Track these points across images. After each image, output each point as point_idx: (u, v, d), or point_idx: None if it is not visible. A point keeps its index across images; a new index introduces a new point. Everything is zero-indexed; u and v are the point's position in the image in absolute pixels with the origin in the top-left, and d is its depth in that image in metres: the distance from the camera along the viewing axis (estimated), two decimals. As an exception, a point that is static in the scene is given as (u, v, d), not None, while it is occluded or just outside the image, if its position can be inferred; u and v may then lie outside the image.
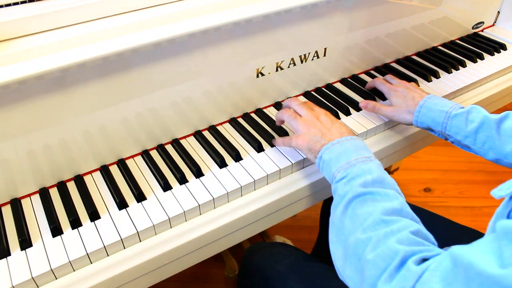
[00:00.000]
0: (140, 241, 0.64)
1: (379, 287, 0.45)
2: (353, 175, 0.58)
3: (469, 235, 0.71)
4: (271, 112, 0.89)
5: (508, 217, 0.46)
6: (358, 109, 0.89)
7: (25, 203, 0.68)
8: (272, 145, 0.79)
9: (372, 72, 1.02)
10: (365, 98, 0.92)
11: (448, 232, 0.84)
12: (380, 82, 0.89)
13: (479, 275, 0.36)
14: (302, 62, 0.88)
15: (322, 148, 0.65)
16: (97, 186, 0.71)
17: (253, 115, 0.88)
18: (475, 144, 0.72)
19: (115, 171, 0.74)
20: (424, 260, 0.45)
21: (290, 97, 0.87)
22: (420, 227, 0.51)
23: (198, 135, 0.82)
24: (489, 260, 0.36)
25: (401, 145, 0.87)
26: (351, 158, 0.60)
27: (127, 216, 0.66)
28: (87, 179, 0.73)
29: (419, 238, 0.49)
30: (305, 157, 0.76)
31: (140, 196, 0.68)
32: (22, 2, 0.67)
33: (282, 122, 0.80)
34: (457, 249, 0.39)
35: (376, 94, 0.93)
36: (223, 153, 0.77)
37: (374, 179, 0.56)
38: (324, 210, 1.03)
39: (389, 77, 0.91)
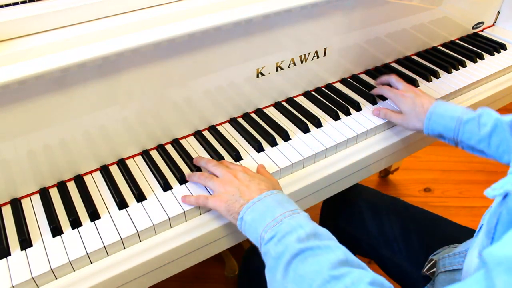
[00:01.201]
0: (140, 241, 0.64)
1: None
2: (283, 233, 0.53)
3: (468, 235, 0.71)
4: (271, 112, 0.89)
5: (498, 218, 0.46)
6: (358, 109, 0.89)
7: (25, 203, 0.68)
8: (272, 145, 0.79)
9: (372, 72, 1.02)
10: (365, 98, 0.92)
11: (448, 232, 0.84)
12: (387, 90, 0.87)
13: None
14: (302, 62, 0.88)
15: (242, 208, 0.60)
16: (97, 186, 0.71)
17: (253, 115, 0.88)
18: (490, 148, 0.71)
19: (115, 171, 0.74)
20: None
21: (203, 160, 0.74)
22: (370, 273, 0.47)
23: (198, 135, 0.82)
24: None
25: (401, 145, 0.87)
26: (276, 214, 0.56)
27: (127, 216, 0.66)
28: (87, 179, 0.73)
29: (377, 287, 0.45)
30: (305, 156, 0.76)
31: (140, 196, 0.68)
32: (22, 2, 0.67)
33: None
34: None
35: (378, 95, 0.93)
36: (223, 153, 0.77)
37: (308, 233, 0.52)
38: (324, 210, 1.03)
39: (394, 79, 0.89)
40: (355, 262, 0.50)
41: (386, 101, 0.91)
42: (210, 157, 0.77)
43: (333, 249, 0.50)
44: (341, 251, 0.50)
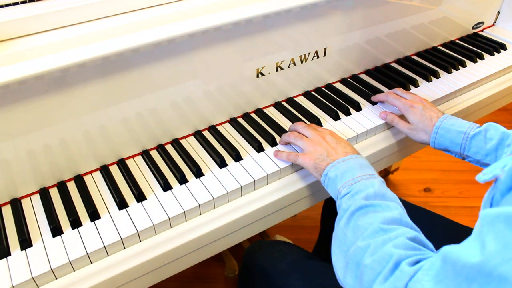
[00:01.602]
0: (140, 241, 0.64)
1: None
2: (357, 190, 0.59)
3: (469, 235, 0.71)
4: (271, 112, 0.89)
5: (491, 201, 0.47)
6: (358, 109, 0.89)
7: (25, 203, 0.68)
8: (272, 145, 0.79)
9: (372, 72, 1.02)
10: (365, 99, 0.92)
11: (448, 232, 0.84)
12: (393, 98, 0.86)
13: (464, 267, 0.37)
14: (302, 62, 0.88)
15: (327, 166, 0.66)
16: (97, 186, 0.71)
17: (253, 115, 0.88)
18: (496, 161, 0.71)
19: (115, 171, 0.74)
20: (418, 262, 0.46)
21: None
22: (419, 234, 0.52)
23: (198, 135, 0.82)
24: (473, 251, 0.37)
25: (401, 145, 0.87)
26: (356, 175, 0.62)
27: (127, 216, 0.66)
28: (87, 179, 0.73)
29: (415, 244, 0.50)
30: (305, 157, 0.76)
31: (140, 196, 0.68)
32: (22, 2, 0.67)
33: (286, 144, 0.79)
34: (446, 248, 0.41)
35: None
36: (223, 153, 0.77)
37: (376, 193, 0.58)
38: (325, 210, 1.03)
39: (399, 91, 0.88)
40: (409, 224, 0.54)
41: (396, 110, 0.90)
42: (210, 157, 0.77)
43: (391, 209, 0.56)
44: (398, 212, 0.55)
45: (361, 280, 0.49)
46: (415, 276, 0.43)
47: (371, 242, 0.51)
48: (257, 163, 0.75)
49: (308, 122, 0.84)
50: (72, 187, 0.71)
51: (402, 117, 0.84)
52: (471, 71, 1.03)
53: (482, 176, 0.48)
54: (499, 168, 0.45)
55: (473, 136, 0.72)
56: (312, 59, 0.89)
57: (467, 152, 0.74)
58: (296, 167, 0.76)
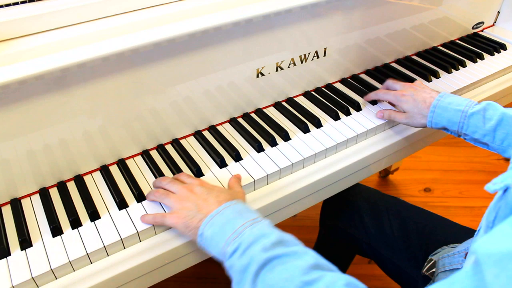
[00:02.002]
0: (140, 241, 0.64)
1: None
2: (247, 244, 0.51)
3: (468, 235, 0.71)
4: (271, 112, 0.89)
5: (497, 212, 0.46)
6: (358, 109, 0.89)
7: (25, 203, 0.68)
8: (272, 145, 0.79)
9: (372, 72, 1.02)
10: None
11: (448, 232, 0.84)
12: (383, 93, 0.86)
13: None
14: (302, 62, 0.88)
15: (201, 223, 0.57)
16: (97, 186, 0.71)
17: (253, 115, 0.88)
18: (494, 142, 0.70)
19: (115, 171, 0.74)
20: None
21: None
22: (344, 275, 0.46)
23: (198, 135, 0.82)
24: None
25: (401, 145, 0.87)
26: (237, 226, 0.53)
27: (127, 216, 0.66)
28: (87, 179, 0.73)
29: None
30: (305, 156, 0.76)
31: (140, 196, 0.68)
32: (22, 2, 0.67)
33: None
34: None
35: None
36: (223, 153, 0.77)
37: (273, 241, 0.50)
38: (324, 210, 1.03)
39: (390, 82, 0.88)
40: (326, 265, 0.48)
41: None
42: (210, 157, 0.77)
43: (301, 255, 0.48)
44: (310, 256, 0.48)
45: None
46: None
47: None
48: (257, 163, 0.75)
49: (307, 122, 0.84)
50: (72, 187, 0.71)
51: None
52: (471, 71, 1.03)
53: (492, 186, 0.45)
54: (511, 177, 0.43)
55: (472, 114, 0.71)
56: (312, 59, 0.89)
57: (465, 131, 0.73)
58: (296, 167, 0.76)
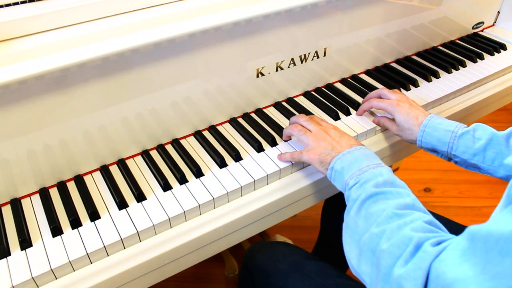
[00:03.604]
0: (140, 241, 0.64)
1: (394, 272, 0.45)
2: (365, 179, 0.59)
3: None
4: (271, 112, 0.89)
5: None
6: (358, 109, 0.89)
7: (25, 203, 0.68)
8: (272, 145, 0.79)
9: (372, 72, 1.02)
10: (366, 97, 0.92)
11: (449, 232, 0.84)
12: (377, 102, 0.83)
13: (499, 240, 0.35)
14: (302, 62, 0.88)
15: (333, 159, 0.66)
16: (97, 186, 0.71)
17: (253, 115, 0.88)
18: (484, 162, 0.70)
19: (115, 171, 0.74)
20: (440, 243, 0.45)
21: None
22: (433, 218, 0.52)
23: (198, 135, 0.82)
24: (507, 223, 0.35)
25: (401, 145, 0.87)
26: (363, 165, 0.62)
27: (127, 216, 0.66)
28: (87, 179, 0.73)
29: (432, 227, 0.50)
30: (305, 157, 0.76)
31: (140, 196, 0.68)
32: (22, 2, 0.67)
33: (289, 137, 0.79)
34: (474, 227, 0.40)
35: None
36: (223, 153, 0.77)
37: (385, 180, 0.58)
38: (325, 210, 1.03)
39: (386, 91, 0.85)
40: (421, 209, 0.54)
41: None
42: (210, 157, 0.77)
43: (403, 195, 0.55)
44: (410, 198, 0.55)
45: (378, 266, 0.48)
46: (439, 256, 0.42)
47: (386, 228, 0.50)
48: (257, 163, 0.75)
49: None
50: (72, 187, 0.71)
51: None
52: (471, 71, 1.03)
53: None
54: None
55: (461, 135, 0.71)
56: (312, 59, 0.89)
57: (455, 152, 0.72)
58: (296, 167, 0.76)
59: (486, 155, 0.70)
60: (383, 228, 0.50)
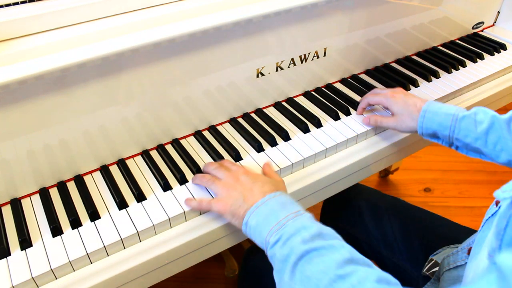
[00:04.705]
0: (140, 241, 0.64)
1: None
2: (288, 235, 0.53)
3: (469, 235, 0.71)
4: (271, 112, 0.89)
5: (508, 221, 0.46)
6: (357, 108, 0.89)
7: (25, 203, 0.68)
8: (272, 145, 0.79)
9: (372, 72, 1.02)
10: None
11: (448, 232, 0.84)
12: (372, 96, 0.83)
13: None
14: (302, 62, 0.88)
15: (246, 213, 0.60)
16: (97, 186, 0.71)
17: (253, 115, 0.88)
18: (487, 146, 0.69)
19: (115, 171, 0.74)
20: None
21: (207, 164, 0.73)
22: (376, 270, 0.48)
23: (198, 135, 0.82)
24: None
25: (401, 144, 0.87)
26: (280, 217, 0.56)
27: (127, 216, 0.66)
28: (87, 179, 0.73)
29: (385, 284, 0.46)
30: (305, 156, 0.76)
31: (140, 196, 0.68)
32: (22, 2, 0.67)
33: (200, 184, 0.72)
34: None
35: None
36: (223, 153, 0.77)
37: (312, 234, 0.53)
38: (324, 210, 1.03)
39: (378, 90, 0.87)
40: (361, 260, 0.50)
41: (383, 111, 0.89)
42: (210, 157, 0.77)
43: (338, 248, 0.51)
44: (346, 250, 0.51)
45: None
46: None
47: None
48: (257, 163, 0.75)
49: (307, 122, 0.84)
50: (72, 187, 0.71)
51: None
52: (471, 71, 1.03)
53: (502, 194, 0.45)
54: None
55: (462, 118, 0.70)
56: (312, 59, 0.89)
57: (457, 135, 0.71)
58: (296, 167, 0.76)
59: (488, 139, 0.69)
60: None
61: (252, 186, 0.63)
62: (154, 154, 0.78)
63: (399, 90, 0.81)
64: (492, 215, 0.55)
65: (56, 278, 0.60)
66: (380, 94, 0.82)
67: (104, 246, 0.61)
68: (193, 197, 0.68)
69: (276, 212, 0.57)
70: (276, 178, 0.69)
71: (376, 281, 0.45)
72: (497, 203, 0.55)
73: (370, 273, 0.46)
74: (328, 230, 0.55)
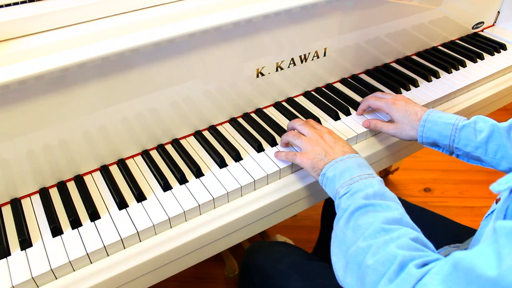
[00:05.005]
0: (140, 241, 0.64)
1: None
2: (356, 190, 0.59)
3: (469, 235, 0.71)
4: (271, 112, 0.89)
5: (506, 212, 0.47)
6: (357, 109, 0.89)
7: (25, 203, 0.68)
8: (272, 145, 0.79)
9: (372, 72, 1.02)
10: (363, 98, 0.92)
11: (448, 232, 0.84)
12: (373, 100, 0.84)
13: (479, 277, 0.36)
14: (302, 62, 0.88)
15: (325, 166, 0.65)
16: (97, 186, 0.71)
17: (253, 115, 0.88)
18: (487, 155, 0.70)
19: (115, 171, 0.74)
20: (425, 265, 0.45)
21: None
22: (420, 234, 0.52)
23: (198, 135, 0.82)
24: (488, 262, 0.36)
25: (401, 145, 0.87)
26: (354, 175, 0.61)
27: (127, 216, 0.66)
28: (87, 179, 0.73)
29: (418, 245, 0.49)
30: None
31: (140, 196, 0.68)
32: (22, 2, 0.67)
33: (287, 143, 0.78)
34: (458, 254, 0.40)
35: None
36: (223, 153, 0.77)
37: (376, 192, 0.58)
38: (325, 210, 1.03)
39: (379, 93, 0.87)
40: (409, 224, 0.54)
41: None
42: (210, 157, 0.77)
43: (392, 209, 0.55)
44: (399, 212, 0.55)
45: (363, 281, 0.49)
46: (422, 279, 0.42)
47: (373, 243, 0.50)
48: (257, 163, 0.75)
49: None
50: (72, 187, 0.71)
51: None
52: (471, 71, 1.03)
53: (497, 187, 0.46)
54: None
55: (462, 127, 0.71)
56: (312, 59, 0.89)
57: (457, 144, 0.72)
58: (296, 167, 0.76)
59: (488, 147, 0.69)
60: (369, 243, 0.51)
61: (334, 145, 0.68)
62: (154, 154, 0.78)
63: (400, 97, 0.81)
64: (491, 212, 0.55)
65: (56, 278, 0.60)
66: (382, 100, 0.82)
67: (104, 246, 0.61)
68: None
69: (352, 169, 0.62)
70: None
71: (412, 239, 0.49)
72: (497, 201, 0.55)
73: (411, 232, 0.51)
74: (390, 194, 0.60)
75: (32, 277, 0.57)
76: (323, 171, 0.65)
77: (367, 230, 0.52)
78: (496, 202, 0.55)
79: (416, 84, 0.98)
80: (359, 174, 0.61)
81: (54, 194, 0.70)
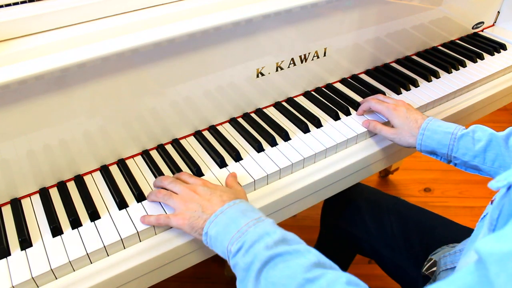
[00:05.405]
0: (140, 241, 0.64)
1: None
2: (250, 242, 0.51)
3: (469, 235, 0.71)
4: (271, 112, 0.89)
5: (500, 210, 0.46)
6: (358, 109, 0.89)
7: (25, 203, 0.68)
8: (272, 145, 0.79)
9: (372, 72, 1.02)
10: (364, 98, 0.92)
11: (448, 232, 0.84)
12: (375, 102, 0.84)
13: None
14: (302, 62, 0.88)
15: (205, 223, 0.58)
16: (97, 186, 0.71)
17: (253, 115, 0.88)
18: (485, 163, 0.70)
19: (115, 171, 0.74)
20: None
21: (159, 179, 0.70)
22: (346, 273, 0.46)
23: (198, 135, 0.82)
24: None
25: (401, 145, 0.87)
26: (241, 225, 0.54)
27: (127, 216, 0.66)
28: (87, 179, 0.73)
29: (354, 287, 0.44)
30: (305, 156, 0.76)
31: (140, 196, 0.68)
32: (22, 2, 0.67)
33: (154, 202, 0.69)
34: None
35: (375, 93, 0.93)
36: (223, 153, 0.77)
37: (276, 240, 0.51)
38: (325, 210, 1.03)
39: (381, 96, 0.87)
40: (328, 264, 0.48)
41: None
42: (210, 157, 0.77)
43: (303, 253, 0.49)
44: (312, 254, 0.49)
45: None
46: None
47: None
48: (257, 163, 0.75)
49: (307, 122, 0.84)
50: (72, 187, 0.71)
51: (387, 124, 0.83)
52: (471, 71, 1.03)
53: (496, 183, 0.45)
54: None
55: (461, 136, 0.71)
56: (312, 59, 0.89)
57: (455, 153, 0.72)
58: (296, 168, 0.76)
59: (486, 156, 0.70)
60: None
61: (211, 197, 0.61)
62: (154, 154, 0.78)
63: (401, 103, 0.81)
64: (486, 214, 0.55)
65: (56, 278, 0.60)
66: (383, 104, 0.82)
67: (104, 246, 0.61)
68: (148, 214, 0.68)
69: (236, 220, 0.55)
70: (237, 188, 0.67)
71: (346, 283, 0.44)
72: (492, 202, 0.55)
73: (339, 275, 0.45)
74: (292, 236, 0.53)
75: (32, 277, 0.57)
76: (205, 230, 0.58)
77: (288, 287, 0.45)
78: (491, 203, 0.55)
79: (416, 84, 0.98)
80: (246, 223, 0.54)
81: (54, 194, 0.70)
